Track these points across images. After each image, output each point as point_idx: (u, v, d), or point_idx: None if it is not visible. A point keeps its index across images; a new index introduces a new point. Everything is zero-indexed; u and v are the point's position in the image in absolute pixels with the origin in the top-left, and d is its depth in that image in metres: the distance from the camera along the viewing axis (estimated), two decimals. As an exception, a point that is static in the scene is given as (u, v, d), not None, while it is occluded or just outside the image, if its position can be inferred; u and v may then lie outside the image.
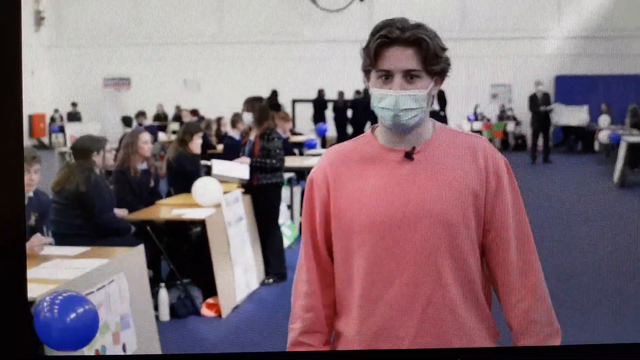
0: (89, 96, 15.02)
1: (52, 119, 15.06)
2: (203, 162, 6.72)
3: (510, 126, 14.64)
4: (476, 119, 14.67)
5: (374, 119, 2.15)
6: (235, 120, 8.00)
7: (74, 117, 14.83)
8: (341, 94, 13.66)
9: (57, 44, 15.17)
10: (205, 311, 5.39)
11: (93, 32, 14.28)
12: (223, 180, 6.02)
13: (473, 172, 2.01)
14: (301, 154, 9.46)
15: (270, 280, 6.19)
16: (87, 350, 3.47)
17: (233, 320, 5.35)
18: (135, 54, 14.93)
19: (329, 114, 14.19)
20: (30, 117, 15.02)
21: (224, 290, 5.44)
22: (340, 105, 13.75)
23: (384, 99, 1.97)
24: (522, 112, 13.83)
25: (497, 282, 2.06)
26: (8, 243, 2.45)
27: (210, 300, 5.42)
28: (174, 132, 11.33)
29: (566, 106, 14.27)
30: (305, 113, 14.63)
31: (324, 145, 11.46)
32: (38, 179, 4.38)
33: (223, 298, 5.40)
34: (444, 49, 1.99)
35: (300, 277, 2.13)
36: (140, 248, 4.41)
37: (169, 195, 6.40)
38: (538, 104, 12.34)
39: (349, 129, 13.77)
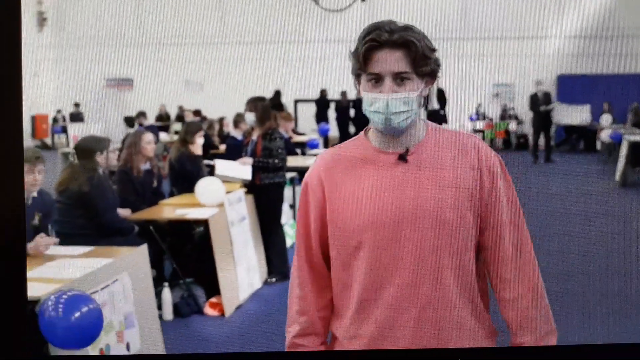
0: (91, 97, 15.03)
1: (55, 120, 15.06)
2: (206, 162, 6.74)
3: (512, 125, 14.63)
4: (478, 119, 14.66)
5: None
6: (238, 120, 8.01)
7: (77, 117, 14.84)
8: (344, 93, 13.67)
9: (60, 45, 15.18)
10: (208, 310, 5.41)
11: (95, 32, 14.29)
12: (226, 180, 6.04)
13: (467, 171, 2.01)
14: (303, 153, 9.47)
15: (273, 280, 6.21)
16: (92, 349, 3.49)
17: (236, 319, 5.37)
18: (137, 54, 14.94)
19: (332, 113, 14.20)
20: (33, 118, 15.01)
21: (227, 290, 5.46)
22: (344, 105, 13.76)
23: (374, 103, 1.97)
24: (524, 111, 13.82)
25: (494, 280, 2.07)
26: (8, 243, 2.45)
27: (213, 300, 5.44)
28: (176, 133, 11.33)
29: (568, 105, 14.26)
30: (307, 113, 14.63)
31: (326, 145, 11.47)
32: (42, 179, 4.40)
33: (226, 297, 5.42)
34: (433, 50, 1.99)
35: (294, 281, 2.15)
36: (144, 248, 4.43)
37: (171, 195, 6.42)
38: (538, 104, 12.33)
39: (352, 129, 13.77)
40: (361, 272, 2.02)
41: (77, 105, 14.88)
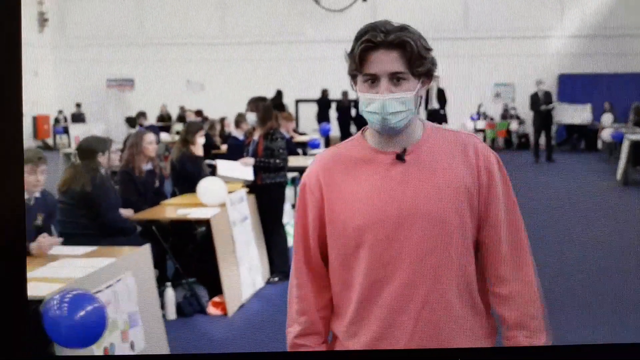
0: (92, 97, 15.05)
1: (56, 120, 15.08)
2: (208, 161, 6.75)
3: (514, 125, 14.64)
4: (479, 118, 14.67)
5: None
6: (239, 120, 8.02)
7: (78, 118, 14.86)
8: (345, 93, 13.68)
9: (61, 45, 15.20)
10: (211, 310, 5.42)
11: (96, 33, 14.31)
12: (227, 180, 6.05)
13: (465, 169, 2.01)
14: (305, 153, 9.48)
15: (276, 279, 6.22)
16: (96, 348, 3.50)
17: (239, 318, 5.38)
18: (138, 54, 14.96)
19: (333, 113, 14.21)
20: (35, 119, 15.03)
21: (230, 289, 5.47)
22: (345, 105, 13.77)
23: (371, 103, 1.97)
24: (525, 111, 13.83)
25: (490, 277, 2.07)
26: (8, 243, 2.44)
27: (216, 299, 5.45)
28: (177, 133, 11.35)
29: (569, 105, 14.27)
30: (308, 113, 14.65)
31: (327, 145, 11.47)
32: (44, 179, 4.41)
33: (229, 297, 5.43)
34: (428, 50, 1.99)
35: (293, 281, 2.15)
36: (147, 247, 4.44)
37: (173, 195, 6.43)
38: (539, 103, 12.34)
39: (353, 129, 13.78)
40: (361, 272, 2.02)
41: (78, 105, 14.91)
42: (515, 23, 14.54)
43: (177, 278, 5.61)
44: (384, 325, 2.02)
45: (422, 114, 12.33)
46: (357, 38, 1.97)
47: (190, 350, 4.75)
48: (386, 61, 1.94)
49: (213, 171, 6.48)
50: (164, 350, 4.38)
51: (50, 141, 15.09)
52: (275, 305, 5.64)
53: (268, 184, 6.26)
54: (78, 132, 12.93)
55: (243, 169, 6.24)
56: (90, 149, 5.16)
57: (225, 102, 13.00)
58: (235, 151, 6.88)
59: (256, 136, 6.31)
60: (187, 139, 6.40)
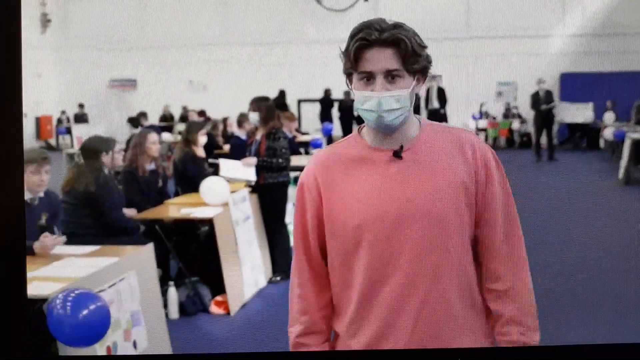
0: (95, 98, 15.07)
1: (59, 121, 15.11)
2: (211, 160, 6.77)
3: (516, 124, 14.63)
4: (481, 117, 14.67)
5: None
6: (242, 120, 8.03)
7: (81, 118, 14.88)
8: (347, 93, 13.69)
9: (63, 46, 15.22)
10: (214, 309, 5.44)
11: (99, 34, 14.33)
12: (230, 180, 6.07)
13: (462, 166, 2.01)
14: (307, 153, 9.49)
15: (278, 278, 6.23)
16: (99, 347, 3.52)
17: (241, 317, 5.39)
18: (140, 55, 14.98)
19: (336, 113, 14.22)
20: (37, 119, 15.07)
21: (233, 288, 5.49)
22: (347, 105, 13.78)
23: (367, 101, 1.98)
24: (528, 110, 13.83)
25: (485, 273, 2.07)
26: (8, 243, 2.44)
27: (218, 298, 5.47)
28: (179, 133, 11.36)
29: (571, 103, 14.27)
30: (311, 113, 14.66)
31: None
32: (48, 179, 4.43)
33: (231, 296, 5.45)
34: (423, 47, 1.99)
35: (294, 281, 2.15)
36: (150, 246, 4.46)
37: (176, 194, 6.45)
38: (540, 102, 12.34)
39: (355, 128, 13.77)
40: (360, 271, 2.02)
41: (81, 106, 14.93)
42: (517, 22, 14.54)
43: (180, 277, 5.63)
44: (385, 325, 2.02)
45: (423, 113, 12.37)
46: (352, 36, 1.98)
47: (192, 349, 4.76)
48: (381, 59, 1.95)
49: (216, 170, 6.49)
50: (167, 349, 4.39)
51: (53, 141, 15.12)
52: (277, 304, 5.66)
53: (271, 184, 6.27)
54: (80, 132, 12.94)
55: (245, 170, 6.26)
56: (94, 148, 5.18)
57: (228, 102, 13.01)
58: (238, 151, 6.90)
59: (259, 136, 6.33)
60: (188, 139, 6.42)
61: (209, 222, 5.54)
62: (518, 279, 2.06)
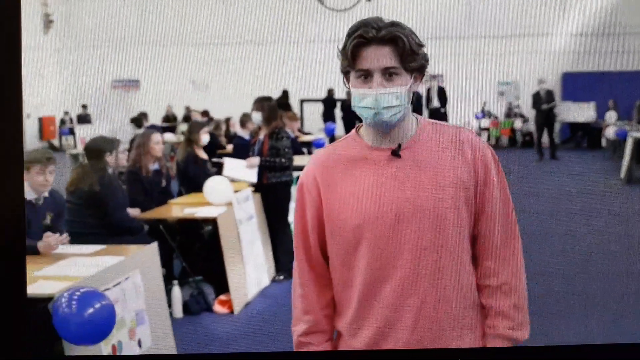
0: (98, 98, 15.09)
1: (62, 122, 15.12)
2: (215, 159, 6.79)
3: (518, 123, 14.63)
4: (484, 117, 14.66)
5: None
6: (245, 120, 8.05)
7: (84, 119, 14.90)
8: (350, 93, 13.69)
9: (66, 47, 15.24)
10: (217, 308, 5.46)
11: (101, 34, 14.34)
12: (232, 179, 6.10)
13: (461, 164, 2.02)
14: (310, 153, 9.51)
15: (281, 277, 6.25)
16: (104, 345, 3.54)
17: (245, 316, 5.41)
18: (143, 55, 14.97)
19: (339, 113, 14.23)
20: (40, 120, 15.08)
21: (236, 287, 5.51)
22: (350, 105, 13.77)
23: (364, 99, 1.99)
24: (529, 109, 13.83)
25: (480, 268, 2.08)
26: (8, 243, 2.45)
27: (222, 297, 5.49)
28: (182, 134, 11.38)
29: (573, 103, 14.26)
30: (313, 113, 14.66)
31: (332, 145, 11.46)
32: (53, 179, 4.46)
33: (235, 295, 5.47)
34: (420, 46, 1.99)
35: (296, 281, 2.16)
36: (154, 246, 4.48)
37: (180, 194, 6.47)
38: (541, 102, 12.35)
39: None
40: (361, 270, 2.03)
41: (84, 106, 14.94)
42: (519, 21, 14.53)
43: (183, 276, 5.65)
44: (385, 324, 2.03)
45: (424, 113, 12.39)
46: (349, 34, 1.99)
47: (196, 348, 4.78)
48: (379, 56, 1.96)
49: (219, 170, 6.52)
50: (171, 347, 4.41)
51: (56, 142, 15.14)
52: (280, 303, 5.67)
53: (274, 183, 6.30)
54: (84, 133, 12.96)
55: (247, 171, 6.29)
56: (98, 149, 5.20)
57: (231, 102, 13.03)
58: (241, 151, 6.92)
59: (261, 135, 6.35)
60: (191, 139, 6.44)
61: (213, 221, 5.56)
62: (512, 275, 2.06)
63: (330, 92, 14.21)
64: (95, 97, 15.06)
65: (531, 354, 2.12)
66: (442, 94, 12.36)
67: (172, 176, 6.43)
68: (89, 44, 14.58)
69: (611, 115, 13.41)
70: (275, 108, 6.39)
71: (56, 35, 15.22)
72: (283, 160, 6.24)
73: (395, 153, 2.01)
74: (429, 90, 12.37)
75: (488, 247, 2.06)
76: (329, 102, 14.25)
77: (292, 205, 6.90)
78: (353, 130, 2.12)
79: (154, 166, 5.87)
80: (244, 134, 7.87)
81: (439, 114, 11.92)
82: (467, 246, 2.05)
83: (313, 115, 14.64)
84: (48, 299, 3.36)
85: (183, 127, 12.80)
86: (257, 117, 6.32)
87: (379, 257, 2.00)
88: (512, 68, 14.87)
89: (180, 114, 14.60)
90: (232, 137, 9.62)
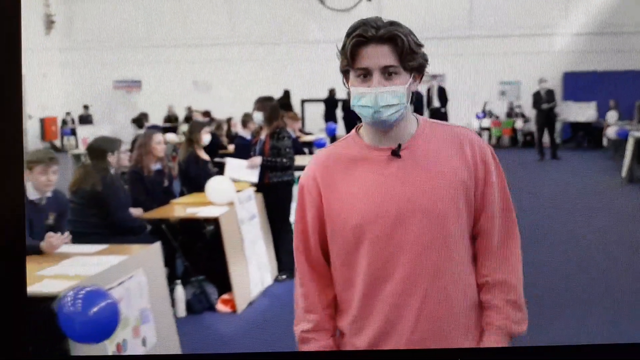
0: (100, 99, 15.11)
1: (64, 122, 15.15)
2: (217, 159, 6.81)
3: (519, 123, 14.63)
4: (485, 116, 14.67)
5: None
6: (246, 120, 8.07)
7: (86, 119, 14.93)
8: (350, 93, 13.69)
9: (68, 48, 15.25)
10: (220, 307, 5.47)
11: (103, 35, 14.37)
12: (234, 179, 6.12)
13: (461, 163, 2.03)
14: (311, 153, 9.52)
15: (283, 277, 6.27)
16: (109, 344, 3.56)
17: (248, 315, 5.42)
18: (145, 56, 15.00)
19: (340, 113, 14.24)
20: (42, 120, 15.10)
21: (239, 287, 5.52)
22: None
23: (363, 97, 1.99)
24: (531, 109, 13.85)
25: (479, 266, 2.09)
26: (8, 243, 2.45)
27: (225, 296, 5.50)
28: (184, 134, 11.38)
29: (574, 102, 14.27)
30: (314, 113, 14.68)
31: (333, 145, 11.46)
32: (56, 179, 4.48)
33: (238, 294, 5.48)
34: (419, 45, 2.00)
35: (297, 281, 2.17)
36: (158, 245, 4.49)
37: (182, 194, 6.49)
38: (541, 102, 12.36)
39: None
40: (362, 270, 2.04)
41: (86, 107, 14.97)
42: (520, 21, 14.54)
43: (186, 276, 5.65)
44: (386, 323, 2.04)
45: (425, 112, 12.40)
46: (349, 34, 1.99)
47: (200, 347, 4.79)
48: (378, 55, 1.96)
49: (221, 170, 6.53)
50: (176, 345, 4.43)
51: (57, 143, 15.15)
52: (283, 302, 5.68)
53: (275, 183, 6.31)
54: (85, 133, 12.98)
55: (248, 171, 6.31)
56: (101, 149, 5.22)
57: (232, 103, 13.05)
58: (243, 151, 6.93)
59: (263, 135, 6.37)
60: (192, 139, 6.47)
61: (215, 221, 5.57)
62: (510, 272, 2.07)
63: (332, 92, 14.23)
64: (97, 97, 15.09)
65: (531, 354, 2.13)
66: (442, 94, 12.38)
67: (174, 176, 6.45)
68: (90, 44, 14.60)
69: (612, 115, 13.42)
70: (277, 108, 6.40)
71: (58, 36, 15.24)
72: (284, 160, 6.26)
73: (395, 153, 2.02)
74: (429, 90, 12.39)
75: (487, 246, 2.08)
76: (330, 102, 14.26)
77: (294, 205, 6.92)
78: (353, 130, 2.13)
79: (155, 166, 5.89)
80: (246, 134, 7.89)
81: (439, 114, 11.93)
82: (467, 245, 2.06)
83: (314, 116, 14.65)
84: (52, 298, 3.38)
85: (184, 127, 12.82)
86: (258, 117, 6.34)
87: (380, 256, 2.01)
88: (513, 68, 14.87)
89: (181, 114, 14.62)
90: (233, 137, 9.63)
